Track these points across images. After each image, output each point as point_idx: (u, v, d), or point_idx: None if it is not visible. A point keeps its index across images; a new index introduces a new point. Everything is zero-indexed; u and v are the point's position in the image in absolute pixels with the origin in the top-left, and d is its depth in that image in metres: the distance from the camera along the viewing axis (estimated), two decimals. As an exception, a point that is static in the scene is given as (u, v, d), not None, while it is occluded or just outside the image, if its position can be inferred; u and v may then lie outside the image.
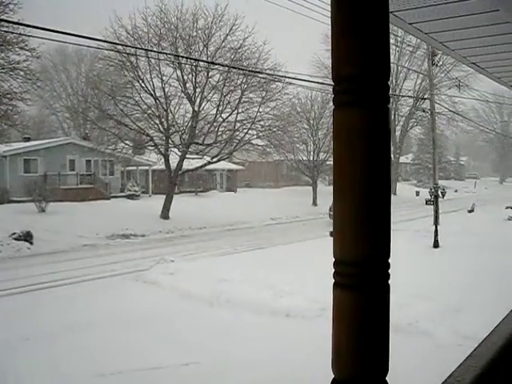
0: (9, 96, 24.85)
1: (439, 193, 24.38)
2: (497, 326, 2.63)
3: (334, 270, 1.16)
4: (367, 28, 1.12)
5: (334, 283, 1.16)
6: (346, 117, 1.14)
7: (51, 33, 15.77)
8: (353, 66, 1.12)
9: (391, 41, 45.89)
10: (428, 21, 3.10)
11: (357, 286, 1.13)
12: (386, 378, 1.19)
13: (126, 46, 29.41)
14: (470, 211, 36.10)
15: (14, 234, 22.79)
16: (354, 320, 1.14)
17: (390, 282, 1.16)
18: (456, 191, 65.19)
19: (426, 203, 26.19)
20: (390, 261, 1.15)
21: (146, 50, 29.90)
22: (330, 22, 1.16)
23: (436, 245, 20.45)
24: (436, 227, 20.79)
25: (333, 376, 1.17)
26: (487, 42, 3.63)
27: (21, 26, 20.71)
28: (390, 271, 1.15)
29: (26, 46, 23.91)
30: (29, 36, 21.87)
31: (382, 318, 1.16)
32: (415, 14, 2.98)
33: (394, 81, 55.47)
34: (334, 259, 1.15)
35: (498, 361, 2.28)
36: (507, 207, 32.46)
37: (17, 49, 24.02)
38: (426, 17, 3.03)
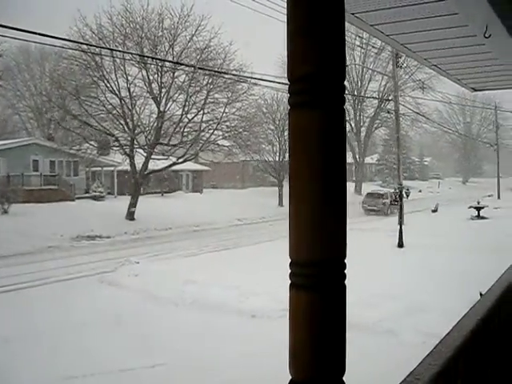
0: (-30, 95, 24.36)
1: (403, 193, 24.64)
2: (456, 324, 2.67)
3: (289, 271, 1.16)
4: (322, 28, 1.12)
5: (290, 284, 1.16)
6: (301, 117, 1.14)
7: (13, 31, 15.53)
8: (308, 66, 1.11)
9: (356, 42, 46.27)
10: (389, 23, 3.13)
11: (313, 286, 1.13)
12: (343, 378, 1.19)
13: (91, 45, 29.11)
14: (433, 211, 36.62)
15: (-24, 236, 22.37)
16: (310, 321, 1.14)
17: (348, 281, 1.17)
18: (420, 191, 66.04)
19: (391, 203, 26.47)
20: (346, 261, 1.15)
21: (111, 49, 29.62)
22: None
23: (401, 244, 20.68)
24: (400, 227, 21.02)
25: (290, 377, 1.17)
26: (447, 45, 3.68)
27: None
28: (347, 271, 1.15)
29: (-13, 44, 23.47)
30: (-10, 34, 21.47)
31: (338, 318, 1.16)
32: (377, 16, 3.00)
33: (359, 82, 56.01)
34: (289, 260, 1.15)
35: (457, 358, 2.31)
36: (470, 207, 33.02)
37: (-23, 47, 23.55)
38: (387, 19, 3.06)
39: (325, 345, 1.15)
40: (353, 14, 2.87)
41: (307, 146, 1.12)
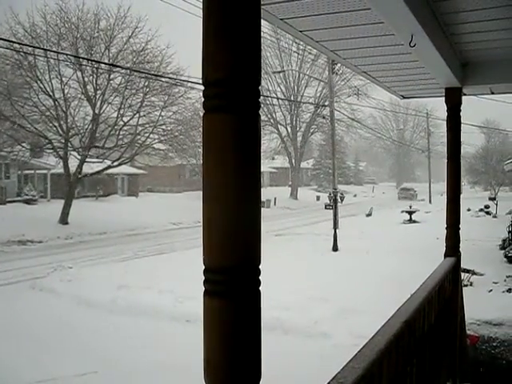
0: None
1: (338, 197, 24.99)
2: (381, 327, 2.71)
3: (203, 278, 1.14)
4: (238, 31, 1.11)
5: (204, 291, 1.15)
6: (214, 122, 1.13)
7: None
8: (222, 71, 1.11)
9: (293, 48, 46.68)
10: (318, 29, 3.16)
11: (226, 293, 1.12)
12: (259, 385, 1.19)
13: (24, 44, 28.36)
14: (368, 215, 37.31)
15: None
16: (223, 328, 1.13)
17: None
18: (355, 196, 67.27)
19: (326, 207, 26.80)
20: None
21: (44, 49, 28.94)
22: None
23: (335, 248, 20.95)
24: (335, 231, 21.30)
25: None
26: (376, 53, 3.75)
27: None
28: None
29: None
30: None
31: (252, 325, 1.15)
32: (306, 22, 3.03)
33: (295, 88, 56.55)
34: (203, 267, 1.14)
35: (380, 361, 2.35)
36: (402, 211, 33.84)
37: None
38: (317, 25, 3.09)
39: (239, 352, 1.14)
40: (282, 19, 2.89)
41: (220, 150, 1.11)
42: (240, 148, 1.12)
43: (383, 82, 4.84)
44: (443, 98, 4.72)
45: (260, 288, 1.16)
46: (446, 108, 4.73)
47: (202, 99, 1.14)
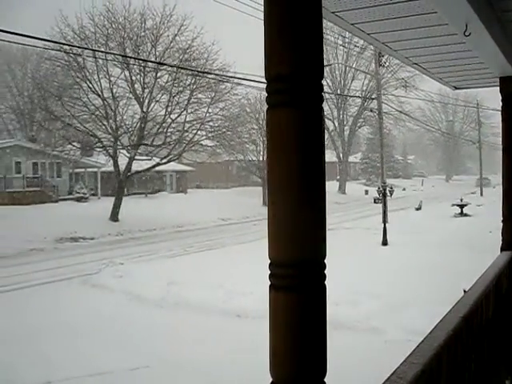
0: (-50, 97, 24.11)
1: (387, 191, 24.73)
2: (439, 322, 2.67)
3: (269, 272, 1.15)
4: (300, 27, 1.11)
5: (270, 285, 1.15)
6: (278, 117, 1.13)
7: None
8: (285, 66, 1.11)
9: (339, 42, 46.39)
10: (369, 21, 3.13)
11: (292, 287, 1.13)
12: (325, 380, 1.18)
13: (73, 46, 28.90)
14: (417, 209, 36.77)
15: (-42, 239, 22.16)
16: (290, 322, 1.13)
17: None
18: (404, 189, 66.41)
19: (375, 201, 26.61)
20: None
21: (93, 50, 29.44)
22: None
23: (385, 242, 20.75)
24: (384, 225, 21.09)
25: (271, 379, 1.17)
26: (427, 43, 3.69)
27: (-39, 25, 20.11)
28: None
29: (-34, 45, 23.23)
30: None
31: (318, 319, 1.15)
32: (357, 15, 3.00)
33: (342, 81, 56.17)
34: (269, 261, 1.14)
35: (440, 356, 2.32)
36: (453, 204, 33.22)
37: (-43, 48, 23.31)
38: (368, 18, 3.06)
39: (305, 346, 1.14)
40: (333, 12, 2.87)
41: (285, 145, 1.11)
42: (304, 142, 1.12)
43: (435, 73, 4.76)
44: (497, 88, 4.61)
45: (325, 282, 1.15)
46: (500, 98, 4.61)
47: (266, 95, 1.14)
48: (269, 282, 1.21)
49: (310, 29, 1.13)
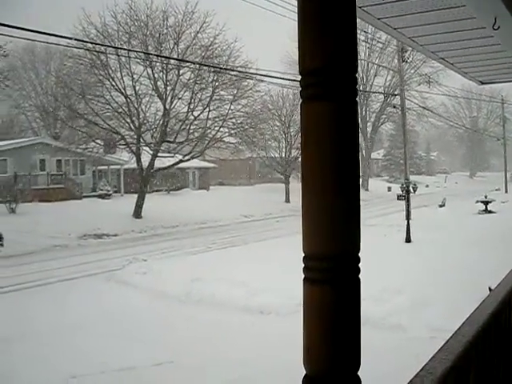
0: (-24, 95, 24.42)
1: (410, 188, 24.53)
2: (467, 318, 2.65)
3: (303, 265, 1.15)
4: (334, 20, 1.11)
5: (304, 278, 1.15)
6: (313, 110, 1.13)
7: (19, 30, 15.56)
8: (319, 59, 1.11)
9: (361, 37, 46.26)
10: (396, 16, 3.11)
11: (326, 280, 1.13)
12: (358, 373, 1.18)
13: (96, 44, 29.13)
14: (440, 206, 36.51)
15: (-16, 235, 22.47)
16: (324, 315, 1.13)
17: (360, 276, 1.16)
18: (427, 186, 65.93)
19: (398, 198, 26.37)
20: (360, 255, 1.15)
21: (115, 47, 29.65)
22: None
23: (408, 240, 20.62)
24: (408, 222, 20.96)
25: (304, 372, 1.17)
26: (455, 38, 3.66)
27: (-13, 24, 20.36)
28: (360, 265, 1.15)
29: (-8, 44, 23.52)
30: (-5, 34, 21.51)
31: (353, 312, 1.16)
32: (384, 9, 2.98)
33: (364, 77, 55.90)
34: (303, 254, 1.14)
35: (469, 353, 2.30)
36: (477, 201, 32.89)
37: (-17, 47, 23.61)
38: (395, 12, 3.04)
39: (339, 339, 1.14)
40: (360, 7, 2.86)
41: (319, 139, 1.11)
42: (339, 135, 1.12)
43: (461, 67, 4.72)
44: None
45: (360, 276, 1.15)
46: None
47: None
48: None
49: (343, 21, 1.13)
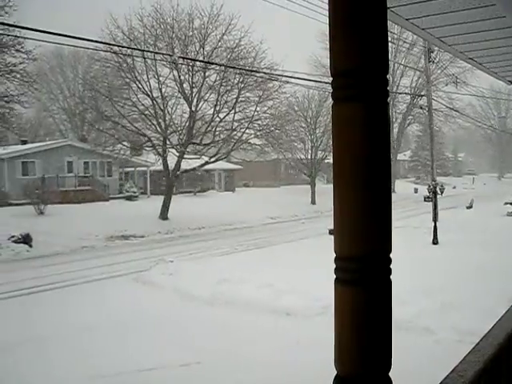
0: (6, 99, 24.82)
1: (437, 189, 24.33)
2: (498, 321, 2.63)
3: (335, 266, 1.15)
4: (365, 22, 1.11)
5: (335, 279, 1.16)
6: (344, 111, 1.13)
7: (47, 35, 15.77)
8: (351, 60, 1.11)
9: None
10: (425, 16, 3.10)
11: (358, 281, 1.13)
12: (389, 375, 1.18)
13: (123, 46, 29.37)
14: (468, 207, 36.10)
15: (13, 236, 22.77)
16: (355, 316, 1.13)
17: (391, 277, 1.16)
18: (454, 188, 65.30)
19: (425, 200, 26.22)
20: (391, 256, 1.15)
21: (142, 50, 29.85)
22: (326, 20, 1.15)
23: (435, 242, 20.45)
24: (435, 224, 20.78)
25: (336, 372, 1.17)
26: (484, 37, 3.63)
27: (17, 29, 20.69)
28: (391, 266, 1.14)
29: (22, 48, 23.89)
30: (25, 38, 21.88)
31: (384, 313, 1.16)
32: (412, 10, 2.97)
33: (390, 78, 55.52)
34: (334, 255, 1.15)
35: (500, 356, 2.28)
36: (506, 203, 32.42)
37: (13, 51, 23.98)
38: (423, 12, 3.02)
39: (371, 340, 1.14)
40: (388, 8, 2.84)
41: (350, 141, 1.12)
42: (370, 137, 1.12)
43: (490, 67, 4.67)
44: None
45: (391, 277, 1.15)
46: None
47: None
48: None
49: (374, 22, 1.13)
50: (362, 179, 1.12)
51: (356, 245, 1.13)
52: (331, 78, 1.14)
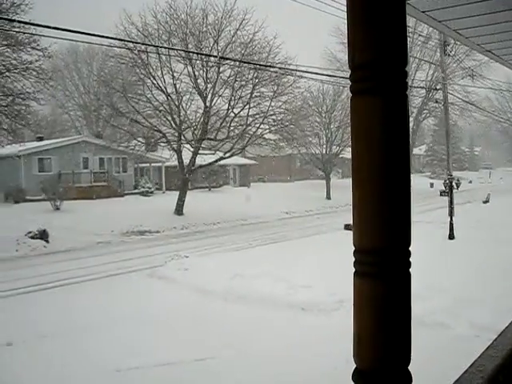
0: (22, 96, 24.96)
1: (453, 184, 24.17)
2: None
3: (353, 259, 1.15)
4: (383, 14, 1.11)
5: (355, 272, 1.15)
6: (362, 104, 1.13)
7: (62, 32, 15.87)
8: (369, 53, 1.10)
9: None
10: (441, 8, 3.07)
11: (377, 274, 1.13)
12: (408, 368, 1.18)
13: (137, 43, 29.41)
14: (485, 202, 35.84)
15: (30, 232, 22.96)
16: (374, 309, 1.13)
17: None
18: (470, 182, 64.89)
19: (441, 194, 26.04)
20: (410, 249, 1.14)
21: (156, 46, 29.88)
22: (340, 14, 1.15)
23: (451, 237, 20.33)
24: (451, 219, 20.66)
25: (355, 365, 1.17)
26: (502, 29, 3.59)
27: (32, 26, 20.83)
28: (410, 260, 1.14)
29: (37, 45, 24.00)
30: (40, 36, 21.97)
31: (403, 306, 1.15)
32: (429, 2, 2.95)
33: (405, 72, 55.18)
34: (350, 250, 1.14)
35: (519, 351, 2.26)
36: (523, 197, 32.19)
37: (29, 49, 24.10)
38: (440, 4, 3.00)
39: (390, 333, 1.14)
40: (405, 0, 2.82)
41: (369, 133, 1.11)
42: (389, 129, 1.11)
43: (508, 60, 4.62)
44: None
45: (410, 270, 1.15)
46: None
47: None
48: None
49: (393, 14, 1.12)
50: (381, 172, 1.11)
51: (375, 238, 1.13)
52: (348, 72, 1.13)
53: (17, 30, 22.67)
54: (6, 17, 21.98)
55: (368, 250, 1.14)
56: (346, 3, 1.13)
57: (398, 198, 1.14)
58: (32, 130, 32.48)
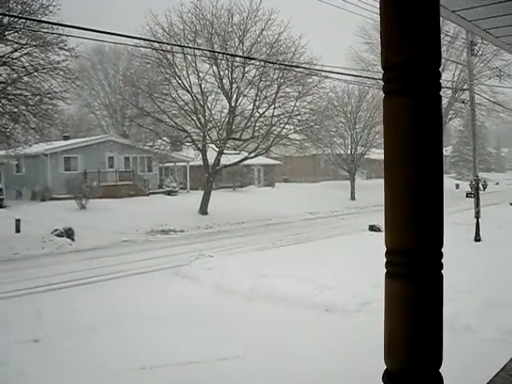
0: (49, 95, 25.27)
1: (480, 185, 23.91)
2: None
3: (385, 260, 1.14)
4: (416, 14, 1.10)
5: (386, 273, 1.15)
6: (395, 105, 1.12)
7: (89, 32, 16.05)
8: (402, 54, 1.10)
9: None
10: (471, 8, 3.04)
11: (408, 275, 1.12)
12: (440, 371, 1.17)
13: (163, 43, 29.57)
14: (511, 204, 35.39)
15: (56, 230, 23.22)
16: (406, 310, 1.12)
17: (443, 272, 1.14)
18: (497, 184, 64.16)
19: (467, 196, 25.80)
20: (443, 250, 1.13)
21: (182, 46, 30.00)
22: (366, 14, 1.15)
23: (477, 238, 20.11)
24: (477, 220, 20.43)
25: (385, 367, 1.16)
26: (532, 29, 3.55)
27: (60, 27, 21.09)
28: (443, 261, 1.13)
29: (65, 46, 24.28)
30: (68, 36, 22.26)
31: (434, 308, 1.14)
32: (459, 2, 2.92)
33: (432, 72, 54.74)
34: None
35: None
36: (551, 199, 31.70)
37: (56, 49, 24.39)
38: (470, 4, 2.97)
39: (421, 335, 1.13)
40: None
41: (402, 133, 1.10)
42: (421, 130, 1.10)
43: (537, 60, 4.57)
44: None
45: (442, 271, 1.14)
46: None
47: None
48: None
49: (426, 16, 1.11)
50: (414, 173, 1.10)
51: (407, 239, 1.12)
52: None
53: (45, 30, 22.99)
54: (34, 18, 22.27)
55: (400, 250, 1.13)
56: (378, 4, 1.13)
57: (431, 199, 1.13)
58: (58, 129, 32.88)
